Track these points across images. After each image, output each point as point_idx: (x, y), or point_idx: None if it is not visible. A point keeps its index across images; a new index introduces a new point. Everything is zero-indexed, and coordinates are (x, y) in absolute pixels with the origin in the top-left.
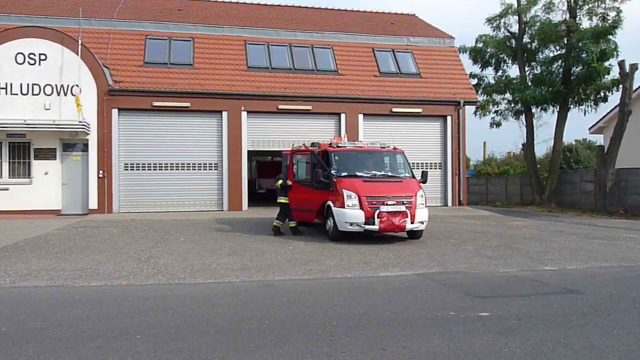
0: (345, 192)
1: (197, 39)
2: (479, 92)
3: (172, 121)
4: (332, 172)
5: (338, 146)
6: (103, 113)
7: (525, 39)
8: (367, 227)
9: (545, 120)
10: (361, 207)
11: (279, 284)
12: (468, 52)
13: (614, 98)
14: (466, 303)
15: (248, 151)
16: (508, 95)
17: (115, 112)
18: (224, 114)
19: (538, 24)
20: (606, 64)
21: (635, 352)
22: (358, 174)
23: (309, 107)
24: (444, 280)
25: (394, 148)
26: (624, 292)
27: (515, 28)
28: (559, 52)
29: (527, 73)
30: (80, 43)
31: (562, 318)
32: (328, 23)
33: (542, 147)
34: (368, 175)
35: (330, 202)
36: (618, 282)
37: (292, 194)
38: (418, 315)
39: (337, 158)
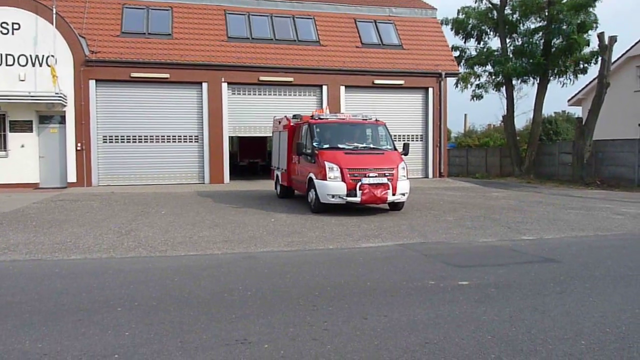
0: (327, 164)
1: (176, 8)
2: (461, 64)
3: (151, 92)
4: (314, 144)
5: (320, 118)
6: (80, 84)
7: (507, 11)
8: (349, 199)
9: (526, 92)
10: (343, 179)
11: (260, 256)
12: (450, 23)
13: (593, 71)
14: (446, 272)
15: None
16: (489, 67)
17: (92, 83)
18: (204, 85)
19: None
20: (586, 36)
21: (609, 319)
22: (340, 146)
23: (291, 79)
24: (425, 251)
25: (376, 120)
26: (599, 261)
27: (497, 0)
28: (539, 23)
29: (508, 45)
30: (55, 12)
31: (540, 286)
32: None
33: (522, 119)
34: (350, 147)
35: (312, 175)
36: (594, 251)
37: (291, 164)
38: (399, 285)
39: (318, 130)
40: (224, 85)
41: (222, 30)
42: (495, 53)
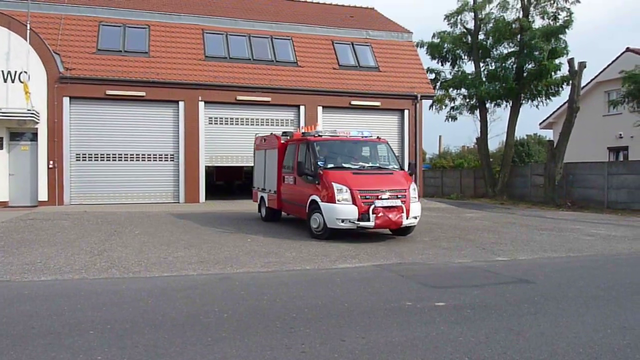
0: (335, 186)
1: (153, 26)
2: (436, 86)
3: (126, 111)
4: (319, 163)
5: (318, 135)
6: (54, 101)
7: (481, 36)
8: (362, 223)
9: (499, 115)
10: (354, 202)
11: (237, 277)
12: (426, 47)
13: (564, 94)
14: (423, 293)
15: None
16: (464, 90)
17: (66, 100)
18: (181, 104)
19: (493, 21)
20: (557, 61)
21: (582, 339)
22: (345, 165)
23: (268, 99)
24: (401, 271)
25: (377, 138)
26: (572, 282)
27: (471, 25)
28: (512, 49)
29: (482, 69)
30: (29, 27)
31: (514, 307)
32: (287, 14)
33: (495, 142)
34: (356, 167)
35: (316, 197)
36: (566, 271)
37: (283, 185)
38: (376, 306)
39: (319, 148)
40: (201, 104)
41: (199, 49)
42: (470, 77)
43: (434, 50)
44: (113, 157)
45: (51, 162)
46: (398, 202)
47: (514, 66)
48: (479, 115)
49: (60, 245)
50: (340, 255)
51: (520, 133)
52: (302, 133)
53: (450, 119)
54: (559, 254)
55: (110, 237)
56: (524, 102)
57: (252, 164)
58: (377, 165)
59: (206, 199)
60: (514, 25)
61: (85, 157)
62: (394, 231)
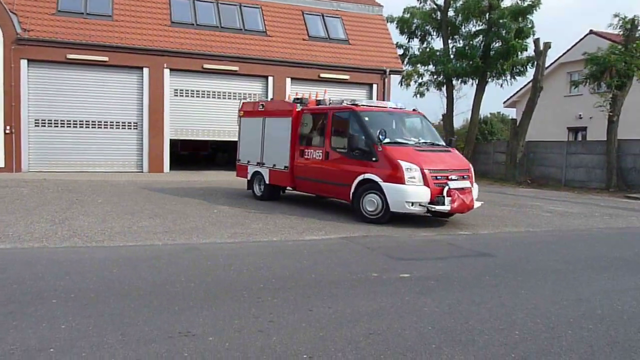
0: (404, 164)
1: None
2: (404, 62)
3: (88, 76)
4: (380, 137)
5: (355, 104)
6: (10, 64)
7: (450, 13)
8: (436, 207)
9: (465, 92)
10: (425, 183)
11: (203, 247)
12: (395, 22)
13: (529, 74)
14: (388, 265)
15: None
16: (431, 67)
17: (24, 63)
18: (145, 70)
19: None
20: (523, 41)
21: (540, 310)
22: (400, 140)
23: (236, 68)
24: (368, 244)
25: (414, 110)
26: (531, 256)
27: (441, 1)
28: (481, 27)
29: (450, 46)
30: None
31: (476, 279)
32: None
33: (460, 119)
34: (411, 143)
35: (371, 176)
36: (525, 246)
37: (300, 160)
38: (343, 277)
39: (368, 120)
40: (166, 72)
41: (165, 14)
42: (438, 53)
43: (404, 25)
44: (74, 124)
45: (8, 128)
46: (467, 183)
47: (482, 44)
48: (446, 92)
49: (19, 213)
50: (307, 228)
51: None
52: (317, 101)
53: (418, 95)
54: (518, 229)
55: (72, 206)
56: (489, 80)
57: (237, 135)
58: (430, 141)
59: (170, 169)
60: (483, 3)
61: (44, 123)
62: (434, 213)
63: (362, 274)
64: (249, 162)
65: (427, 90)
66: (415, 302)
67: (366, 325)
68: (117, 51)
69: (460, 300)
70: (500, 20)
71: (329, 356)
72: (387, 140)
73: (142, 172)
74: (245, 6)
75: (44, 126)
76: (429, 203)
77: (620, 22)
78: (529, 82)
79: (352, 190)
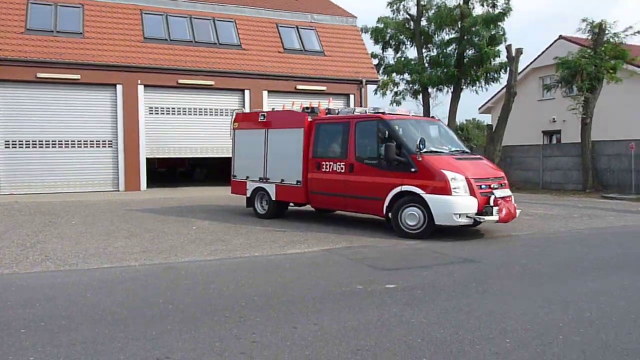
0: (449, 174)
1: (88, 5)
2: (380, 71)
3: (60, 95)
4: (420, 146)
5: (382, 113)
6: None
7: (423, 22)
8: (485, 218)
9: (441, 100)
10: (472, 194)
11: (182, 266)
12: (369, 32)
13: (502, 81)
14: (373, 276)
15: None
16: (407, 76)
17: None
18: (119, 87)
19: (435, 7)
20: (496, 48)
21: (529, 316)
22: (435, 150)
23: (212, 82)
24: (351, 255)
25: (432, 117)
26: (515, 260)
27: (414, 11)
28: (453, 35)
29: (424, 55)
30: None
31: (463, 287)
32: None
33: None
34: (446, 151)
35: (411, 188)
36: (509, 250)
37: (315, 173)
38: (327, 291)
39: (401, 130)
40: (141, 88)
41: (138, 30)
42: (412, 62)
43: (378, 36)
44: (47, 144)
45: None
46: (508, 191)
47: (455, 52)
48: (422, 100)
49: None
50: (289, 241)
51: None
52: (327, 110)
53: (394, 104)
54: (501, 233)
55: (45, 228)
56: (464, 87)
57: (231, 148)
58: (459, 149)
59: (148, 186)
60: (455, 12)
61: (15, 144)
62: (466, 225)
63: (346, 286)
64: (248, 177)
65: (404, 99)
66: (402, 313)
67: (353, 342)
68: (88, 69)
69: (449, 310)
70: (473, 28)
71: None
72: (424, 150)
73: (118, 190)
74: (219, 20)
75: (15, 147)
76: (476, 214)
77: (589, 26)
78: (502, 88)
79: (387, 204)
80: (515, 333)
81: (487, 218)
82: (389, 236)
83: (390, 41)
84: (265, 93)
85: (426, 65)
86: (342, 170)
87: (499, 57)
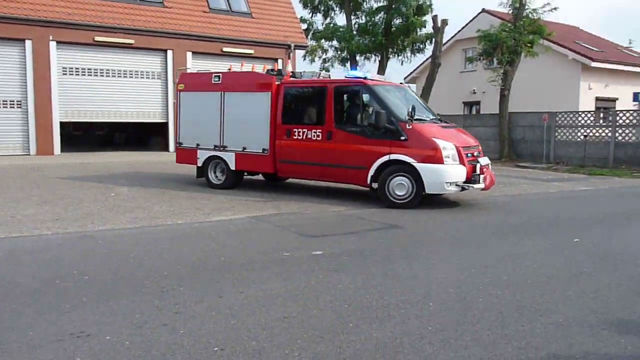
0: (440, 143)
1: None
2: (309, 37)
3: None
4: (411, 113)
5: (368, 79)
6: None
7: None
8: (474, 185)
9: (368, 68)
10: (461, 162)
11: (99, 235)
12: None
13: (427, 52)
14: (300, 243)
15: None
16: (335, 43)
17: None
18: (28, 43)
19: None
20: (422, 18)
21: (450, 279)
22: (420, 117)
23: (132, 41)
24: (278, 222)
25: (401, 83)
26: (437, 226)
27: None
28: (382, 3)
29: (353, 22)
30: None
31: (388, 252)
32: None
33: None
34: (428, 120)
35: (404, 157)
36: (431, 216)
37: (285, 141)
38: (254, 259)
39: (385, 96)
40: (52, 45)
41: None
42: (341, 29)
43: (307, 0)
44: None
45: None
46: (487, 160)
47: (383, 21)
48: (350, 68)
49: None
50: (214, 208)
51: None
52: (292, 73)
53: (323, 71)
54: (423, 200)
55: None
56: (391, 56)
57: (176, 111)
58: (436, 117)
59: (62, 150)
60: None
61: None
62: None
63: (273, 254)
64: (198, 145)
65: (332, 66)
66: (329, 279)
67: (280, 309)
68: None
69: (374, 275)
70: None
71: (242, 346)
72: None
73: (29, 154)
74: None
75: None
76: (465, 182)
77: (510, 1)
78: (427, 59)
79: (372, 173)
80: (438, 297)
81: (475, 186)
82: (317, 203)
83: (320, 6)
84: (189, 54)
85: (354, 32)
86: (319, 138)
87: (425, 27)
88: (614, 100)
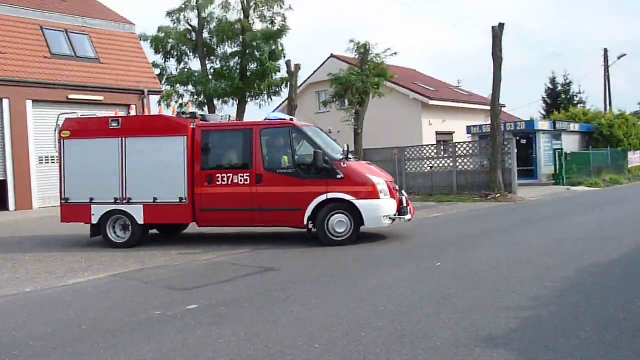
0: (375, 179)
1: None
2: (163, 82)
3: None
4: (348, 153)
5: (280, 120)
6: None
7: (205, 34)
8: (405, 217)
9: (227, 112)
10: (391, 196)
11: None
12: (149, 41)
13: (284, 95)
14: (172, 298)
15: None
16: (191, 88)
17: None
18: None
19: (216, 20)
20: (277, 63)
21: (332, 317)
22: (347, 157)
23: None
24: (144, 278)
25: (313, 123)
26: (312, 265)
27: (195, 22)
28: (236, 49)
29: (208, 67)
30: None
31: (266, 297)
32: None
33: None
34: (352, 158)
35: (342, 195)
36: (304, 254)
37: (207, 188)
38: (122, 322)
39: (311, 135)
40: None
41: None
42: (196, 74)
43: (159, 45)
44: None
45: None
46: (405, 193)
47: (239, 66)
48: (208, 111)
49: None
50: (68, 269)
51: None
52: (201, 116)
53: (182, 114)
54: (295, 241)
55: None
56: (249, 100)
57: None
58: (357, 156)
59: None
60: (236, 26)
61: None
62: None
63: (143, 314)
64: (92, 200)
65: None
66: (208, 335)
67: None
68: None
69: (256, 323)
70: (254, 43)
71: None
72: (338, 156)
73: None
74: None
75: None
76: (395, 215)
77: (355, 46)
78: (284, 101)
79: (309, 213)
80: (323, 336)
81: (405, 217)
82: (184, 252)
83: (172, 51)
84: (29, 103)
85: (210, 77)
86: (247, 182)
87: (280, 71)
88: (451, 133)
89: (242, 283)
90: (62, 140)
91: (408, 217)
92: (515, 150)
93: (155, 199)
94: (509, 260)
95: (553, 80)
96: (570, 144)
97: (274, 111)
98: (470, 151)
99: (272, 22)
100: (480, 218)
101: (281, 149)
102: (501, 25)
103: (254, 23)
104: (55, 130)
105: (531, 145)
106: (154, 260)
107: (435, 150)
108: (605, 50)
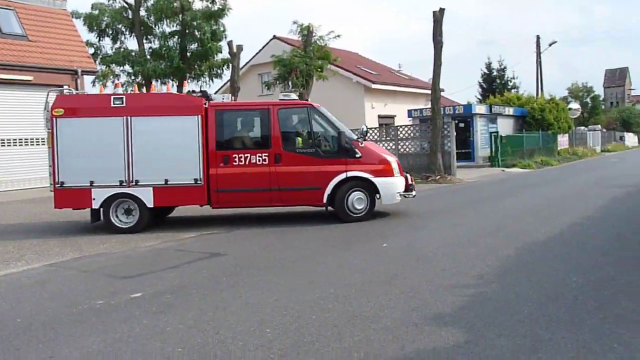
0: (389, 158)
1: None
2: (97, 62)
3: None
4: (364, 133)
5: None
6: None
7: (143, 12)
8: (411, 193)
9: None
10: (401, 174)
11: None
12: (82, 18)
13: (225, 76)
14: (114, 287)
15: None
16: (128, 68)
17: None
18: None
19: None
20: (218, 44)
21: (283, 301)
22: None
23: None
24: (83, 267)
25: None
26: (262, 251)
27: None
28: (175, 28)
29: (146, 47)
30: None
31: (214, 282)
32: None
33: None
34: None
35: (361, 173)
36: (254, 238)
37: (223, 168)
38: (60, 314)
39: (326, 116)
40: None
41: None
42: (133, 54)
43: (93, 23)
44: None
45: None
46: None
47: (178, 45)
48: (146, 92)
49: None
50: None
51: None
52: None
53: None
54: (250, 222)
55: None
56: (189, 81)
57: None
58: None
59: None
60: (175, 4)
61: None
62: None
63: (84, 304)
64: (92, 183)
65: (126, 91)
66: (155, 323)
67: None
68: None
69: (204, 309)
70: (194, 22)
71: None
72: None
73: None
74: None
75: None
76: (404, 191)
77: (299, 28)
78: (225, 83)
79: (328, 192)
80: (274, 321)
81: (412, 194)
82: (125, 240)
83: (107, 30)
84: None
85: (148, 57)
86: (265, 162)
87: (222, 52)
88: (392, 117)
89: (188, 269)
90: (54, 119)
91: (414, 193)
92: (455, 134)
93: (166, 180)
94: (452, 240)
95: (489, 66)
96: (505, 127)
97: (215, 92)
98: (412, 134)
99: (213, 1)
100: (422, 200)
101: (300, 128)
102: (442, 10)
103: (193, 1)
104: (45, 108)
105: (468, 129)
106: (93, 247)
107: (377, 134)
108: (538, 38)
